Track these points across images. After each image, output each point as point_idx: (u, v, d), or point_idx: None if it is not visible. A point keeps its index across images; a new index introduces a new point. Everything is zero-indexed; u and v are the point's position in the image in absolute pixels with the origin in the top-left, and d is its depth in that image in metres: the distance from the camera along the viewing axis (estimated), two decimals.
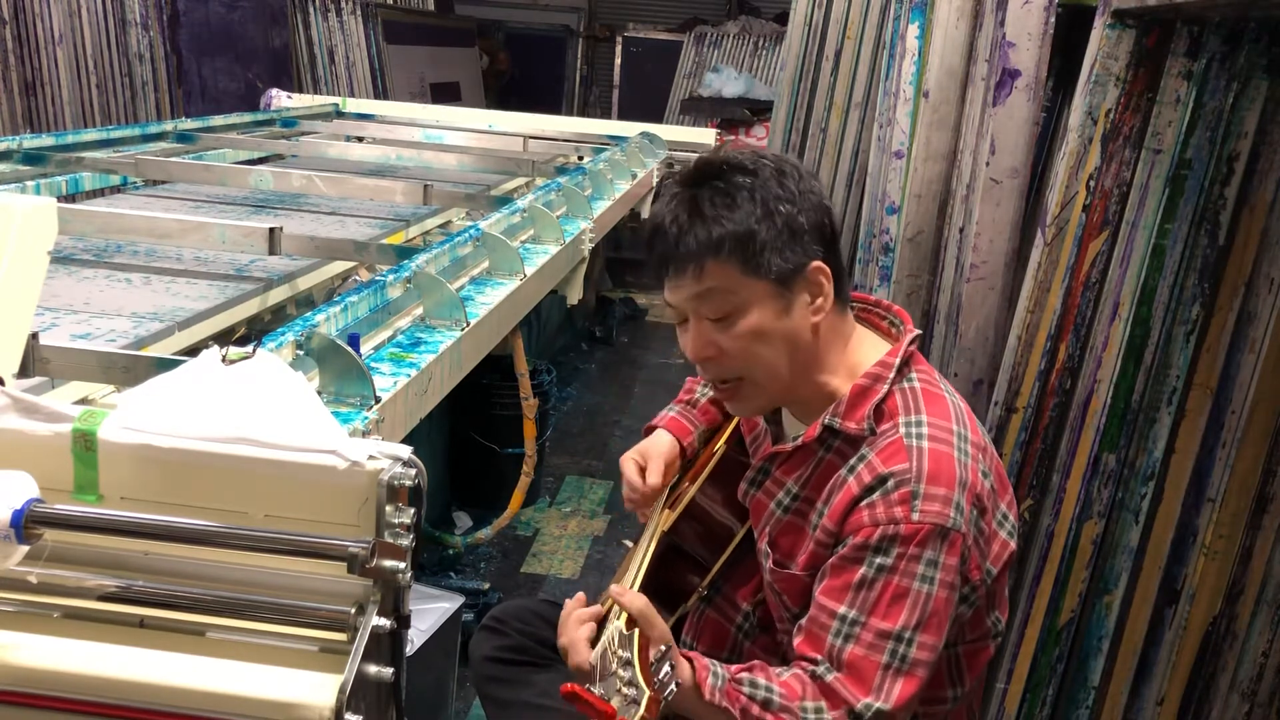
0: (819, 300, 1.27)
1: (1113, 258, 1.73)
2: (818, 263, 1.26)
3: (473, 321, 1.70)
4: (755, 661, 1.26)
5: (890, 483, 1.20)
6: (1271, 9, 1.46)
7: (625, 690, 1.05)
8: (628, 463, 1.59)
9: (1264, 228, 1.60)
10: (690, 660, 1.22)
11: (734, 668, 1.23)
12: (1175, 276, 1.67)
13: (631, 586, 1.34)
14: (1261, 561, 1.66)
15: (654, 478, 1.56)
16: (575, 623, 1.30)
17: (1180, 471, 1.70)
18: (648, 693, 1.03)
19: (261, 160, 3.30)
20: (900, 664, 1.18)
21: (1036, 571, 1.83)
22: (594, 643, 1.25)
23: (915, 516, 1.18)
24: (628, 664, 1.08)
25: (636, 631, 1.13)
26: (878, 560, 1.19)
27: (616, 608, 1.25)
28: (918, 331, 1.35)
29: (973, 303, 2.14)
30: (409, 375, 1.43)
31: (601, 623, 1.29)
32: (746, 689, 1.20)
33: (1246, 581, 1.68)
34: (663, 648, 1.14)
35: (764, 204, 1.24)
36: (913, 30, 2.70)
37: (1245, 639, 1.69)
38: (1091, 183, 1.71)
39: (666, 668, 1.11)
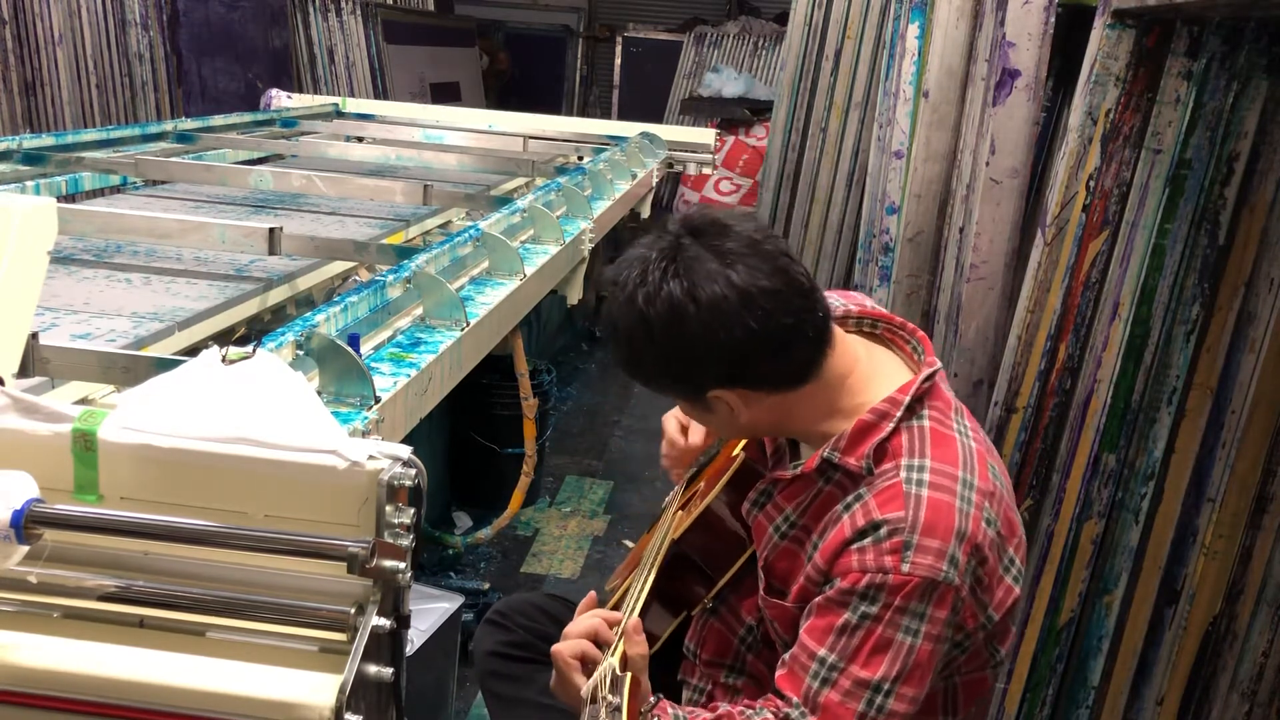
0: (734, 411, 1.26)
1: (1113, 258, 1.73)
2: (715, 393, 1.24)
3: (473, 321, 1.70)
4: (724, 709, 1.23)
5: (883, 530, 1.17)
6: (1271, 9, 1.46)
7: None
8: (669, 420, 1.60)
9: (1264, 228, 1.60)
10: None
11: (704, 717, 1.21)
12: (1175, 276, 1.67)
13: (636, 604, 1.33)
14: (1261, 561, 1.66)
15: (695, 437, 1.56)
16: (583, 631, 1.29)
17: (1180, 471, 1.70)
18: None
19: (261, 160, 3.30)
20: (876, 713, 1.16)
21: (1036, 571, 1.83)
22: (587, 667, 1.25)
23: (905, 568, 1.15)
24: (616, 710, 1.07)
25: (629, 677, 1.12)
26: (863, 608, 1.16)
27: (618, 637, 1.24)
28: (938, 365, 1.29)
29: (973, 303, 2.14)
30: (409, 375, 1.43)
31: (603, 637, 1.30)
32: None
33: (1246, 581, 1.68)
34: (651, 700, 1.14)
35: (644, 351, 1.24)
36: (913, 30, 2.70)
37: (1245, 639, 1.69)
38: (1091, 183, 1.71)
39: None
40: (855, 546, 1.18)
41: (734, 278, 1.17)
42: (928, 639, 1.16)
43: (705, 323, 1.17)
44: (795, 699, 1.19)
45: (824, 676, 1.17)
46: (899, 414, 1.24)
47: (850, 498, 1.23)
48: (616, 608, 1.38)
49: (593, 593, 1.41)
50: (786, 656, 1.23)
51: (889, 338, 1.38)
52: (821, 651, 1.18)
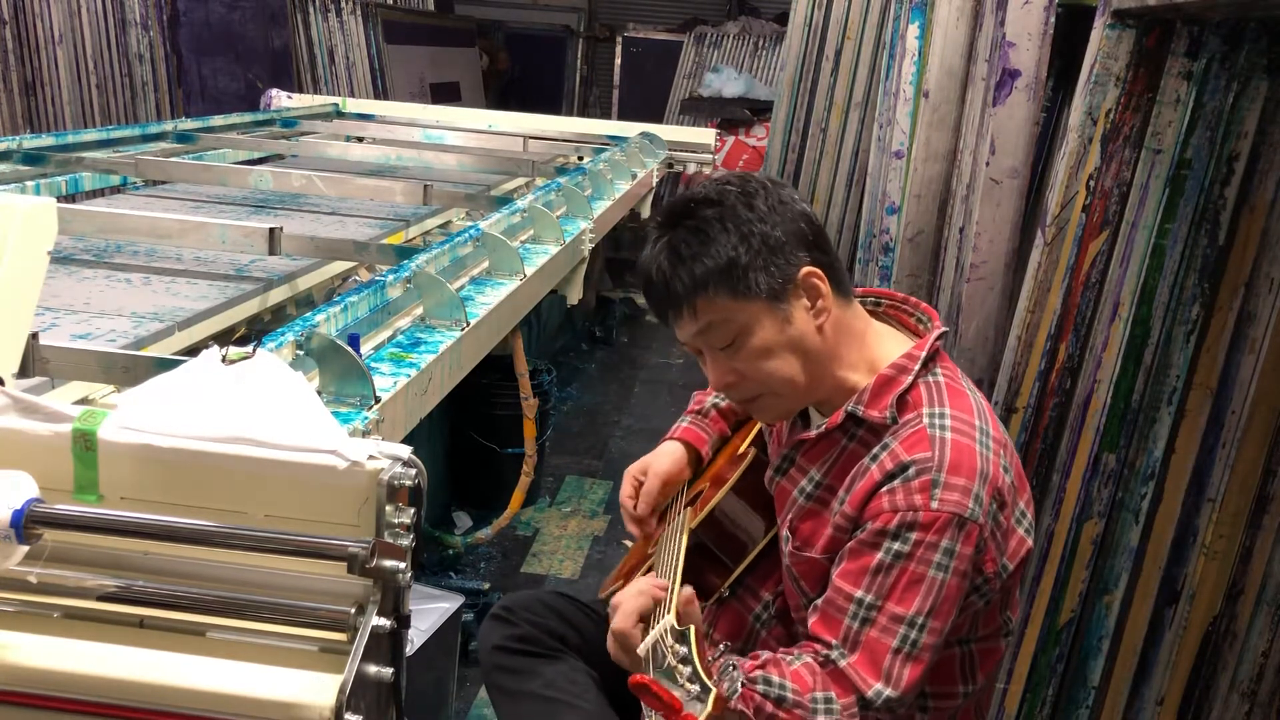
0: (819, 302, 1.30)
1: (1113, 258, 1.73)
2: (807, 268, 1.29)
3: (473, 321, 1.70)
4: (766, 655, 1.26)
5: (911, 470, 1.22)
6: (1271, 9, 1.46)
7: (688, 685, 1.06)
8: (627, 479, 1.62)
9: (1264, 228, 1.60)
10: None
11: (747, 665, 1.24)
12: (1175, 276, 1.67)
13: (670, 602, 1.33)
14: (1261, 561, 1.66)
15: (643, 506, 1.58)
16: (639, 595, 1.29)
17: (1180, 471, 1.70)
18: (714, 691, 1.04)
19: (261, 160, 3.30)
20: (910, 649, 1.20)
21: (1036, 571, 1.83)
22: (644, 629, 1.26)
23: (934, 505, 1.20)
24: (686, 660, 1.09)
25: (692, 628, 1.14)
26: (895, 546, 1.21)
27: (667, 601, 1.27)
28: (945, 328, 1.36)
29: (973, 303, 2.14)
30: (409, 375, 1.43)
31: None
32: (760, 688, 1.21)
33: (1246, 581, 1.68)
34: (722, 646, 1.15)
35: (737, 230, 1.28)
36: (913, 30, 2.70)
37: (1245, 639, 1.69)
38: (1091, 183, 1.71)
39: (730, 666, 1.12)
40: (885, 489, 1.23)
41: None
42: (955, 574, 1.21)
43: (790, 195, 1.32)
44: (833, 641, 1.23)
45: (863, 616, 1.22)
46: (916, 368, 1.30)
47: (877, 448, 1.28)
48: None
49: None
50: (819, 602, 1.27)
51: (892, 314, 1.44)
52: (858, 593, 1.22)
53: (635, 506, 1.59)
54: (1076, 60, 1.79)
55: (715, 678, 1.08)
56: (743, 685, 1.21)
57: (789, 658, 1.25)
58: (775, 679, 1.22)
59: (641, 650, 1.18)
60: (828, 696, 1.21)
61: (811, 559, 1.33)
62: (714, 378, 1.35)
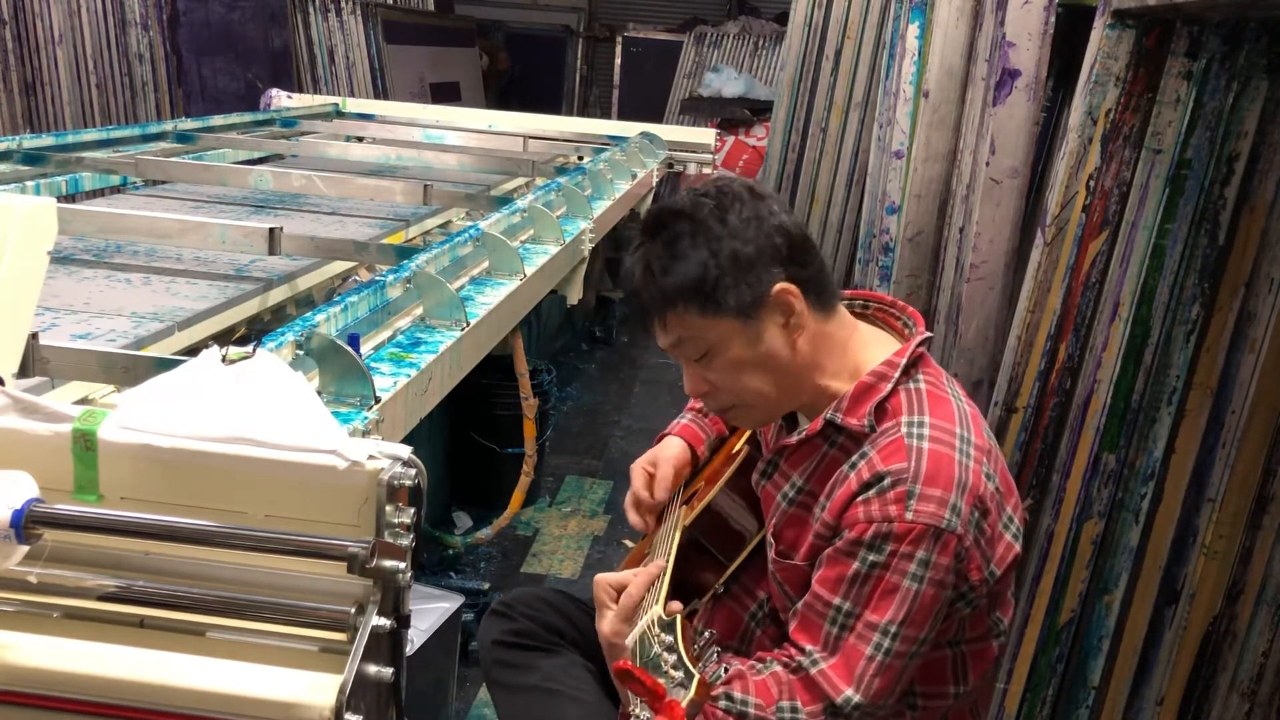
0: (793, 318, 1.29)
1: (1113, 258, 1.73)
2: (780, 285, 1.27)
3: (473, 321, 1.70)
4: (735, 669, 1.26)
5: (887, 481, 1.22)
6: (1272, 9, 1.47)
7: (672, 673, 1.07)
8: (637, 471, 1.62)
9: (1264, 228, 1.60)
10: None
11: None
12: (1175, 276, 1.67)
13: (660, 594, 1.34)
14: (1261, 561, 1.66)
15: (660, 492, 1.58)
16: (635, 596, 1.34)
17: (1180, 471, 1.70)
18: (697, 676, 1.05)
19: (261, 160, 3.30)
20: (884, 657, 1.21)
21: (1036, 571, 1.83)
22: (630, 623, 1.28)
23: (909, 516, 1.20)
24: (671, 648, 1.10)
25: (678, 617, 1.15)
26: (870, 557, 1.21)
27: (654, 594, 1.29)
28: (928, 334, 1.36)
29: (973, 303, 2.14)
30: (409, 375, 1.43)
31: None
32: (723, 704, 1.22)
33: (1246, 581, 1.68)
34: (707, 634, 1.15)
35: (707, 246, 1.26)
36: (913, 30, 2.70)
37: (1245, 639, 1.69)
38: (1091, 183, 1.71)
39: (714, 653, 1.13)
40: (861, 499, 1.23)
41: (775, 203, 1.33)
42: (931, 584, 1.20)
43: (768, 209, 1.29)
44: (810, 647, 1.24)
45: (841, 623, 1.23)
46: (896, 375, 1.30)
47: (855, 457, 1.28)
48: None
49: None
50: (799, 607, 1.28)
51: (879, 317, 1.44)
52: (836, 600, 1.23)
53: (651, 495, 1.59)
54: (1076, 60, 1.79)
55: (700, 664, 1.09)
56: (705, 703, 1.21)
57: (758, 667, 1.26)
58: (738, 695, 1.22)
59: (629, 642, 1.19)
60: (793, 706, 1.21)
61: (795, 565, 1.33)
62: (689, 386, 1.37)
